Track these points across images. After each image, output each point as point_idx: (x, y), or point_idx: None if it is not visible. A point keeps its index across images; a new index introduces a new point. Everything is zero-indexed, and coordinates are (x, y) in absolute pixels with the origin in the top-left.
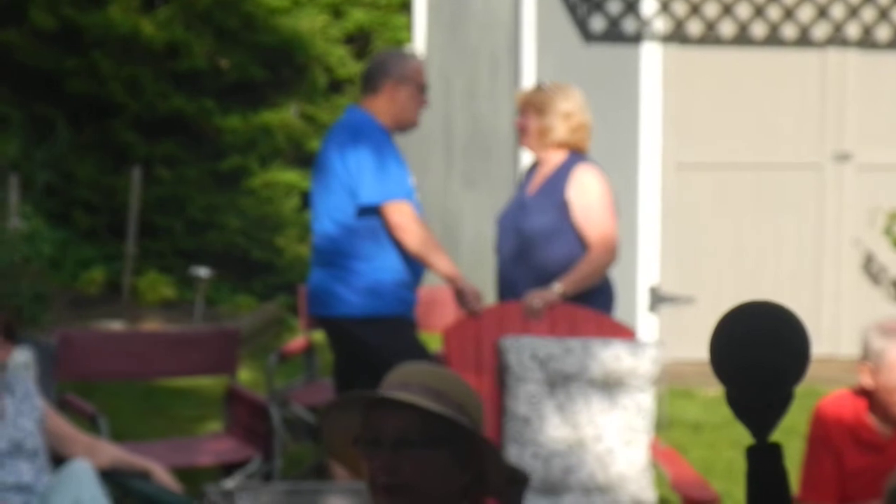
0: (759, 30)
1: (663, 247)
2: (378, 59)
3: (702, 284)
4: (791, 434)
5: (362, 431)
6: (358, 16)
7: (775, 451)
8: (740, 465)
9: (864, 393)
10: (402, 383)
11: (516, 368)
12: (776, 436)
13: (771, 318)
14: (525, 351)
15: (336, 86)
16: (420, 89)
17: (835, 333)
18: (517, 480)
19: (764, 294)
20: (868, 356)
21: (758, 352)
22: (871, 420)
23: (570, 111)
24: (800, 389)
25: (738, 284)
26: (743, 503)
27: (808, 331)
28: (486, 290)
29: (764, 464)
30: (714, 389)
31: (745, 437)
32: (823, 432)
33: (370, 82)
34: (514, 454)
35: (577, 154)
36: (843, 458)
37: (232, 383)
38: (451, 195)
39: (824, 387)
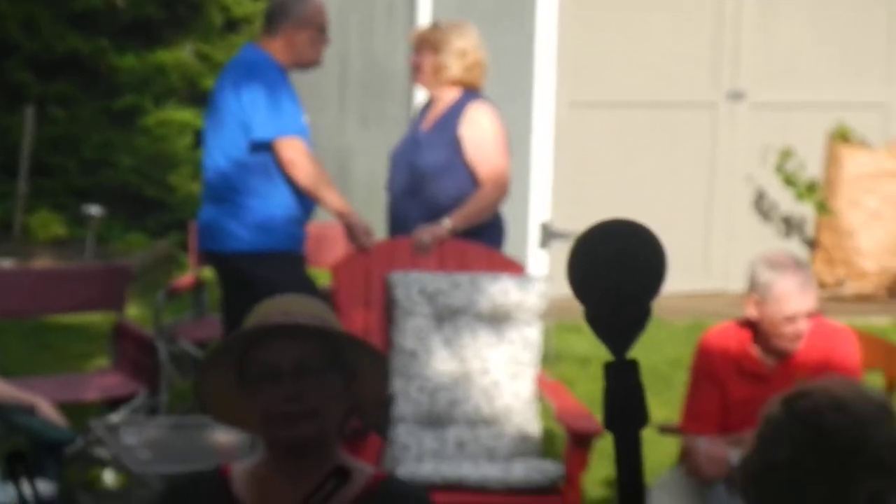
0: None
1: (556, 184)
2: (278, 1)
3: (593, 221)
4: (678, 366)
5: (252, 367)
6: None
7: (632, 368)
8: None
9: (749, 325)
10: (285, 313)
11: (404, 303)
12: (662, 365)
13: (626, 236)
14: (413, 286)
15: (232, 25)
16: (320, 30)
17: (725, 269)
18: (385, 402)
19: (657, 230)
20: (754, 288)
21: (613, 270)
22: (755, 351)
23: (465, 49)
24: (689, 323)
25: (630, 217)
26: None
27: (663, 247)
28: (378, 226)
29: (621, 380)
30: None
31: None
32: (707, 363)
33: (270, 24)
34: (401, 387)
35: (471, 92)
36: (726, 389)
37: (120, 319)
38: (346, 133)
39: (714, 321)
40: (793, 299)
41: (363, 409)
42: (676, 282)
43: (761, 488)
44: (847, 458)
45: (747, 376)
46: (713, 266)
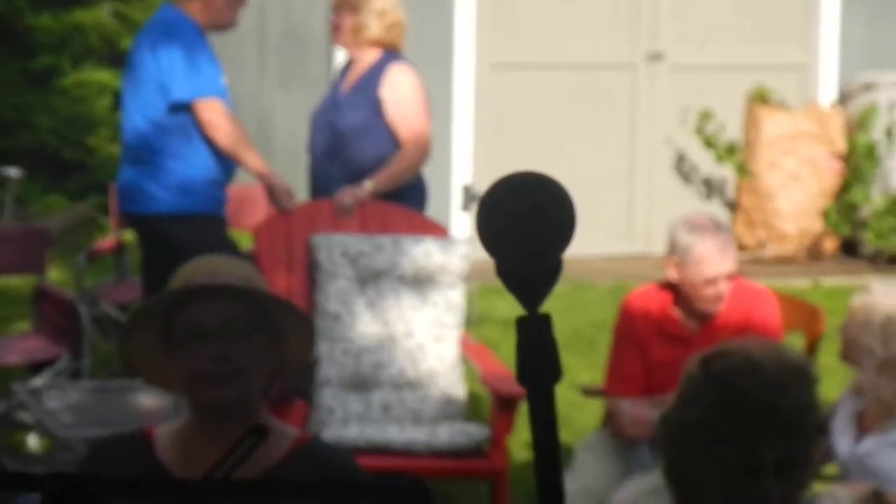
0: None
1: (477, 146)
2: None
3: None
4: (602, 329)
5: (179, 327)
6: None
7: (545, 322)
8: None
9: (671, 287)
10: (212, 273)
11: (327, 265)
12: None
13: (534, 189)
14: (336, 248)
15: None
16: None
17: (647, 231)
18: (309, 365)
19: (578, 194)
20: (675, 250)
21: (522, 223)
22: (676, 313)
23: (384, 9)
24: (612, 286)
25: None
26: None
27: (571, 199)
28: (300, 188)
29: (533, 334)
30: None
31: (555, 333)
32: (629, 326)
33: None
34: (325, 350)
35: (391, 52)
36: (648, 351)
37: (40, 282)
38: (266, 94)
39: (637, 283)
40: (713, 261)
41: (287, 371)
42: (599, 244)
43: (677, 447)
44: (757, 421)
45: (669, 338)
46: (635, 228)
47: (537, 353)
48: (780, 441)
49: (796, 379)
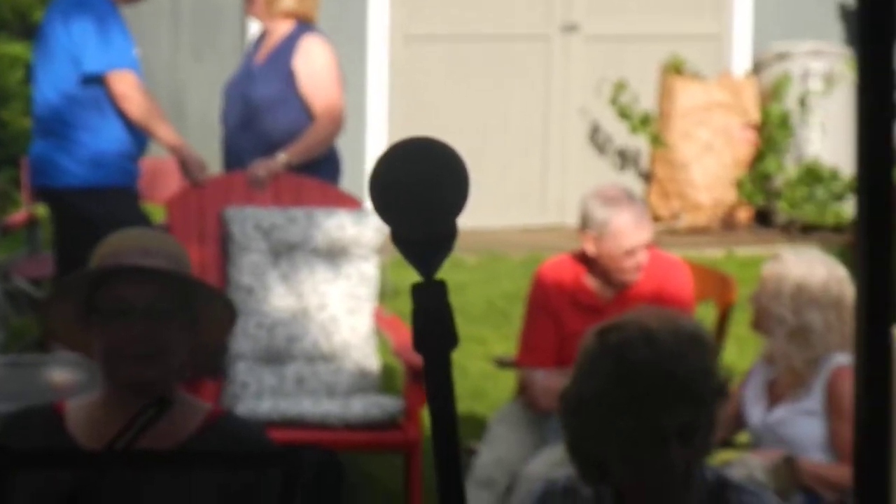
0: None
1: (391, 118)
2: None
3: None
4: (516, 300)
5: (104, 302)
6: None
7: (440, 289)
8: (464, 332)
9: (583, 257)
10: (142, 250)
11: (240, 238)
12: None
13: (425, 155)
14: (249, 221)
15: None
16: None
17: (561, 202)
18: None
19: (493, 165)
20: (590, 225)
21: (414, 189)
22: (589, 283)
23: None
24: (526, 257)
25: (468, 155)
26: (466, 367)
27: (464, 164)
28: (214, 161)
29: (429, 301)
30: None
31: (465, 304)
32: (543, 296)
33: None
34: (239, 324)
35: (304, 24)
36: (561, 322)
37: None
38: (179, 67)
39: (551, 255)
40: (631, 233)
41: (202, 352)
42: (513, 216)
43: (577, 420)
44: (655, 391)
45: (582, 309)
46: (549, 200)
47: (433, 319)
48: (680, 408)
49: (691, 346)
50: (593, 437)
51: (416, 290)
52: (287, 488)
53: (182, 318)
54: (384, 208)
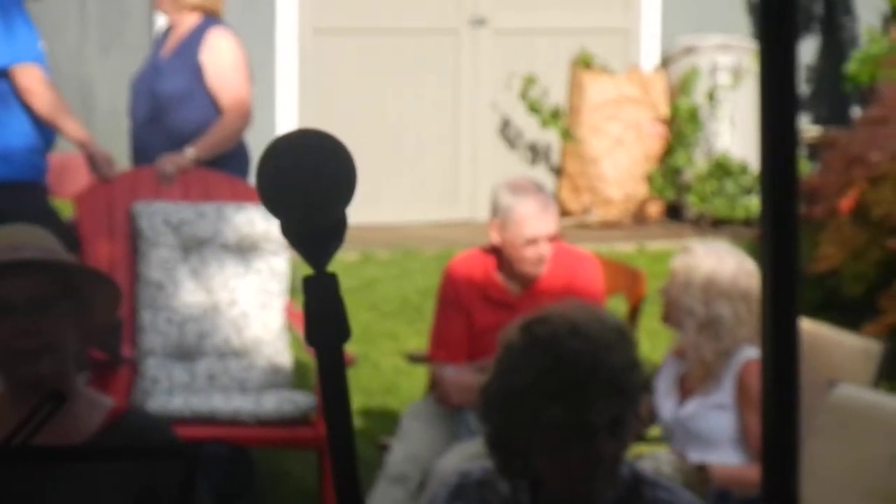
0: None
1: (301, 112)
2: None
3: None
4: (429, 296)
5: None
6: None
7: (331, 281)
8: (377, 327)
9: (494, 252)
10: (13, 247)
11: (149, 234)
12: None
13: (311, 146)
14: (158, 216)
15: None
16: None
17: (473, 197)
18: (115, 326)
19: (404, 160)
20: (496, 213)
21: (300, 180)
22: (499, 278)
23: None
24: (438, 252)
25: (378, 149)
26: (378, 363)
27: (350, 155)
28: (122, 155)
29: (320, 293)
30: (352, 254)
31: (378, 300)
32: (453, 292)
33: None
34: (148, 320)
35: (211, 17)
36: (472, 316)
37: None
38: (86, 60)
39: (463, 250)
40: (533, 222)
41: (94, 335)
42: (425, 211)
43: (500, 414)
44: (584, 382)
45: (493, 303)
46: (461, 195)
47: (325, 312)
48: (609, 400)
49: (617, 338)
50: (518, 430)
51: (308, 282)
52: (187, 482)
53: (65, 306)
54: (271, 200)
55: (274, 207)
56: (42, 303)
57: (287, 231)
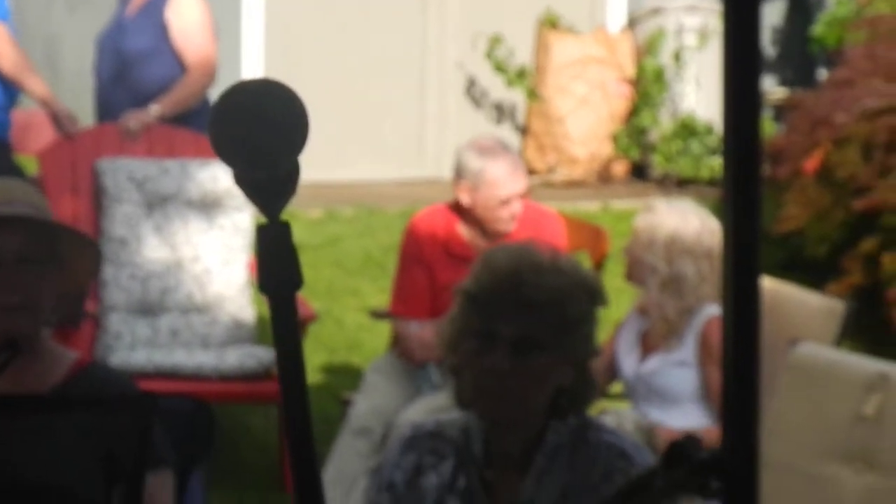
0: None
1: (267, 69)
2: None
3: (307, 106)
4: (392, 253)
5: None
6: None
7: (284, 230)
8: (341, 283)
9: (457, 208)
10: (6, 202)
11: (112, 190)
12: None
13: (262, 95)
14: (121, 172)
15: None
16: None
17: (438, 156)
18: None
19: (370, 118)
20: (465, 175)
21: (252, 128)
22: (463, 234)
23: None
24: (402, 210)
25: (344, 107)
26: (342, 319)
27: (303, 103)
28: (88, 114)
29: (273, 241)
30: (316, 211)
31: (342, 257)
32: (415, 247)
33: None
34: (111, 275)
35: None
36: (434, 272)
37: None
38: (53, 18)
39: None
40: (506, 183)
41: (69, 297)
42: (390, 169)
43: (451, 326)
44: (500, 293)
45: (455, 259)
46: (426, 153)
47: (278, 260)
48: (516, 316)
49: (556, 270)
50: (454, 339)
51: (261, 231)
52: (144, 431)
53: (50, 265)
54: (223, 149)
55: (227, 156)
56: (28, 260)
57: (240, 180)
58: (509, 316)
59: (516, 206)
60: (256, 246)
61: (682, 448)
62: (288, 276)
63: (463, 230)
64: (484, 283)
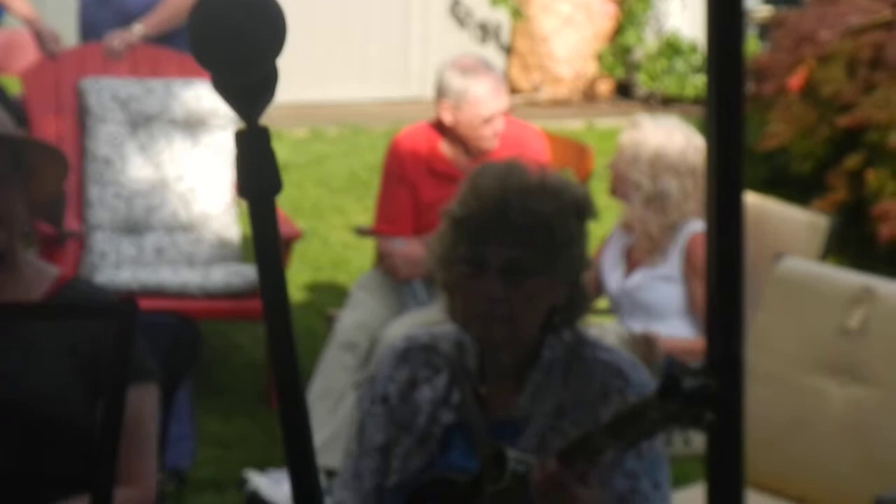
0: None
1: None
2: None
3: (292, 31)
4: (377, 172)
5: None
6: None
7: (263, 134)
8: (326, 202)
9: (439, 126)
10: None
11: (96, 109)
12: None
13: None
14: (105, 92)
15: None
16: None
17: (422, 75)
18: (59, 197)
19: (354, 37)
20: (447, 94)
21: (229, 32)
22: (446, 152)
23: None
24: (387, 129)
25: (329, 26)
26: (327, 237)
27: (280, 6)
28: (72, 35)
29: (252, 146)
30: (302, 130)
31: (327, 176)
32: (398, 165)
33: None
34: (96, 195)
35: None
36: (417, 190)
37: None
38: None
39: None
40: (489, 101)
41: (41, 207)
42: (375, 88)
43: (440, 243)
44: (487, 219)
45: (438, 177)
46: (411, 72)
47: (257, 165)
48: (505, 241)
49: (544, 191)
50: (443, 260)
51: (239, 135)
52: (122, 336)
53: (15, 178)
54: (201, 54)
55: (205, 61)
56: (5, 179)
57: (218, 84)
58: (499, 241)
59: (499, 124)
60: (236, 151)
61: (676, 379)
62: (267, 179)
63: (446, 148)
64: (472, 207)
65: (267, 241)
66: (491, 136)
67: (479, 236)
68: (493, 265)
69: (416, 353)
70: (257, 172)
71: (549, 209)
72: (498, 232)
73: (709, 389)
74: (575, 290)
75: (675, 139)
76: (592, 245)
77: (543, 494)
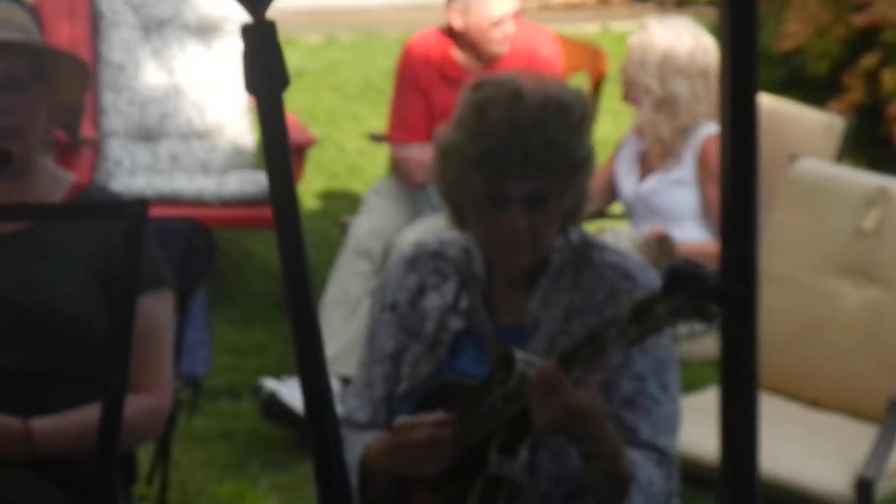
0: None
1: None
2: None
3: None
4: (390, 78)
5: None
6: None
7: (270, 28)
8: (340, 109)
9: (451, 31)
10: None
11: (109, 14)
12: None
13: None
14: None
15: None
16: None
17: None
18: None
19: None
20: None
21: None
22: (457, 57)
23: None
24: (400, 35)
25: None
26: (342, 144)
27: None
28: None
29: (259, 40)
30: (315, 37)
31: (341, 82)
32: (411, 71)
33: None
34: (110, 101)
35: None
36: (431, 96)
37: None
38: None
39: None
40: (497, 3)
41: (60, 115)
42: None
43: (441, 165)
44: (505, 153)
45: (451, 82)
46: None
47: (264, 59)
48: (526, 175)
49: (557, 116)
50: (452, 186)
51: (246, 30)
52: (133, 234)
53: (37, 87)
54: None
55: None
56: (17, 83)
57: None
58: (520, 176)
59: (508, 27)
60: (243, 46)
61: (683, 274)
62: (274, 74)
63: (457, 54)
64: (486, 146)
65: (276, 137)
66: (501, 40)
67: (499, 173)
68: (516, 199)
69: (424, 260)
70: (264, 67)
71: (565, 135)
72: (518, 168)
73: (714, 281)
74: (581, 193)
75: (683, 41)
76: (607, 151)
77: (538, 396)
